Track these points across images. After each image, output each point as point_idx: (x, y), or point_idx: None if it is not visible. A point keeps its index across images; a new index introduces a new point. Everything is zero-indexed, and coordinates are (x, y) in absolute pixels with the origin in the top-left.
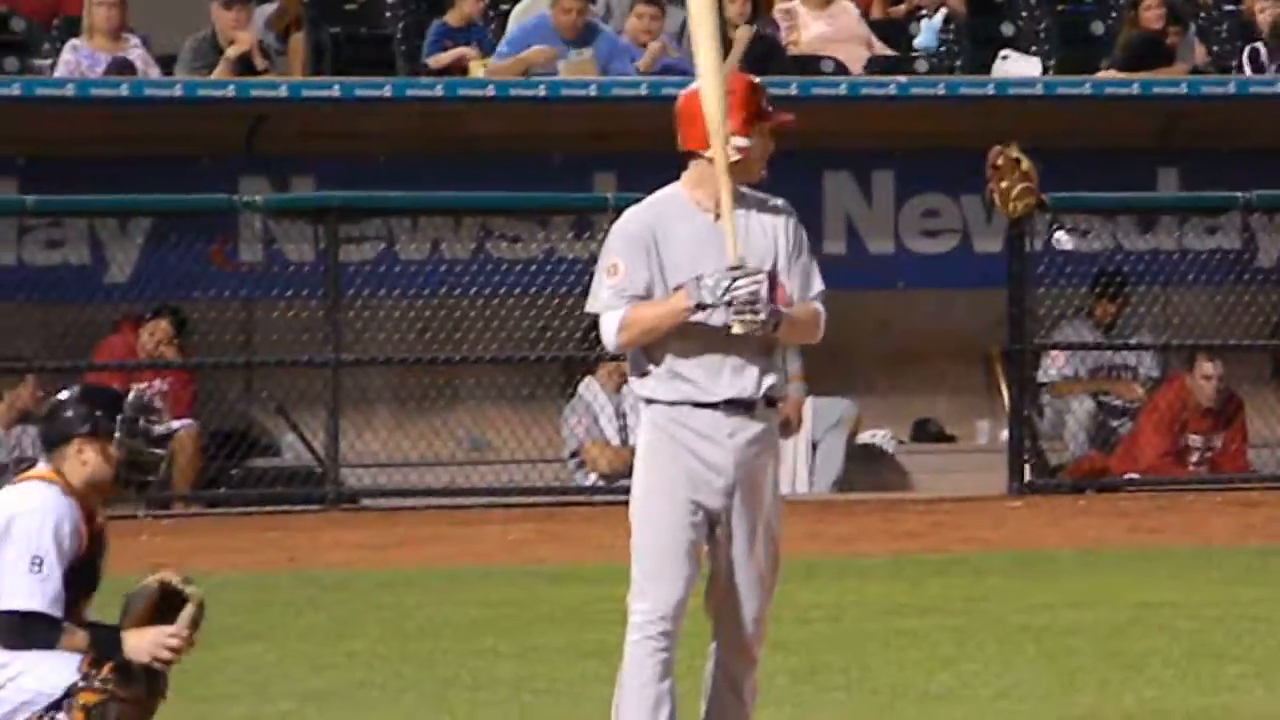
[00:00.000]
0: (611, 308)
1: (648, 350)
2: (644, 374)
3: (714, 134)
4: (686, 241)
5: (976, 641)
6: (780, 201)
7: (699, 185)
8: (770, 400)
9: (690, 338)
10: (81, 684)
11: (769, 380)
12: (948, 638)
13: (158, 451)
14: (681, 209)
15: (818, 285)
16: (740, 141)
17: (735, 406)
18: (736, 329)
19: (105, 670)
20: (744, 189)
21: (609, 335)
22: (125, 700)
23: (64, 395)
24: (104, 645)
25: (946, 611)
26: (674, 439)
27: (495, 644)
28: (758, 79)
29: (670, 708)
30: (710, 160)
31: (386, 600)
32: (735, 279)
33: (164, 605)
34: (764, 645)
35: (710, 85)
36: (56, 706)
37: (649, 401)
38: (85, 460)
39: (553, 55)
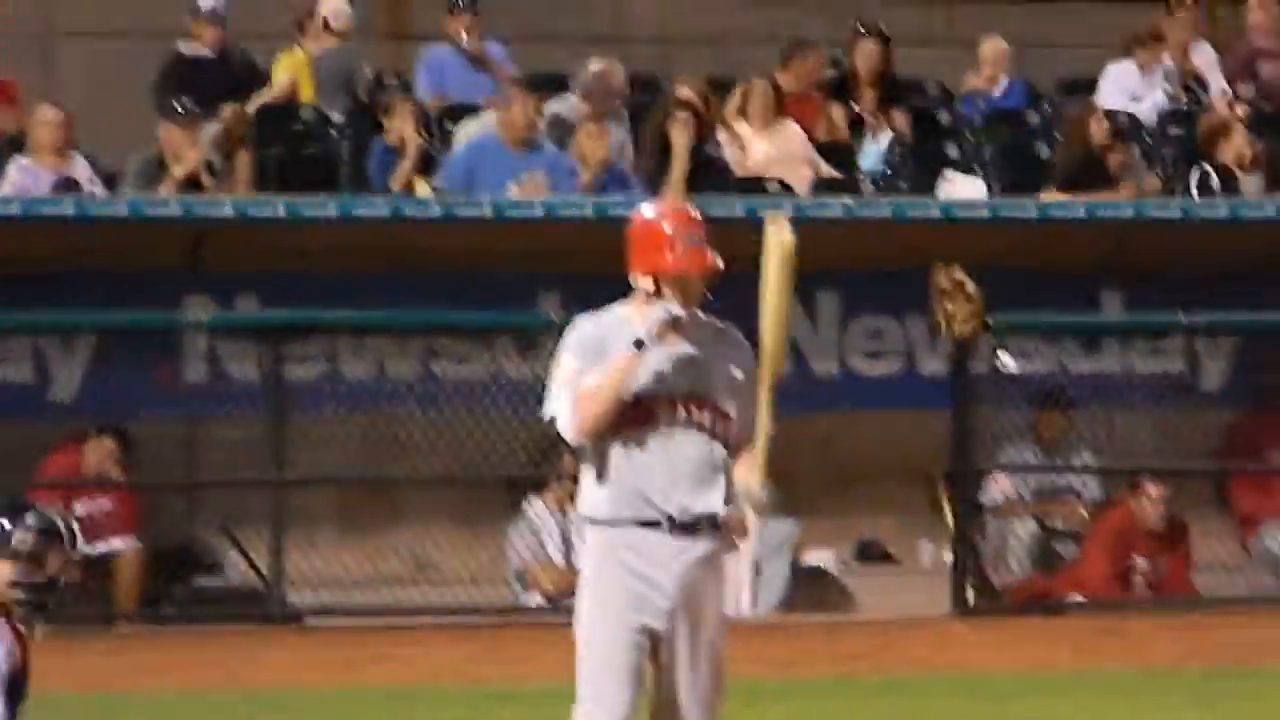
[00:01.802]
0: (562, 399)
1: (597, 464)
2: (591, 491)
3: (766, 363)
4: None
5: None
6: (730, 328)
7: (643, 306)
8: (714, 522)
9: (631, 456)
10: None
11: (714, 500)
12: None
13: (55, 571)
14: (630, 330)
15: (746, 414)
16: (687, 265)
17: (680, 528)
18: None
19: None
20: (698, 314)
21: (566, 426)
22: None
23: None
24: None
25: None
26: (619, 562)
27: None
28: (693, 210)
29: None
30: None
31: (330, 719)
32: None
33: None
34: None
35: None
36: None
37: (593, 522)
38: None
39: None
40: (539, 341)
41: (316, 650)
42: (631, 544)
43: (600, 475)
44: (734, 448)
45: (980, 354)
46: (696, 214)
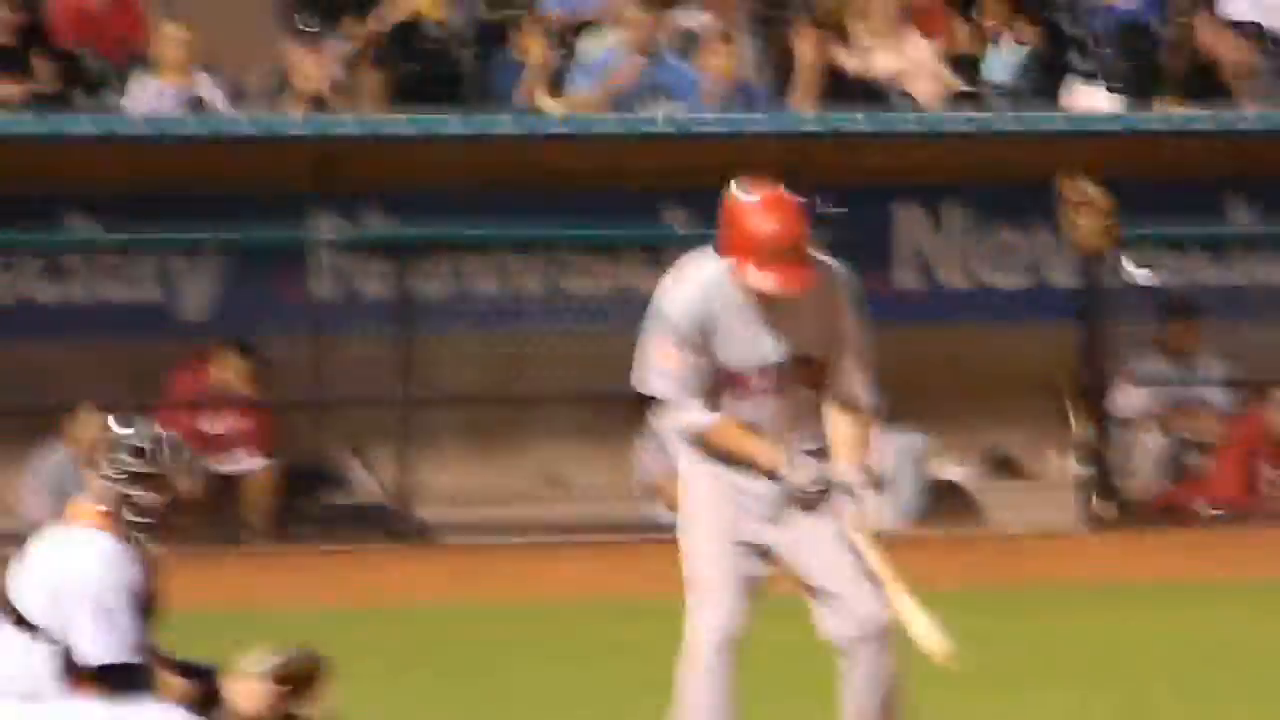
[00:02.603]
0: (684, 400)
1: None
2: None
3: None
4: (732, 329)
5: (1051, 677)
6: (838, 273)
7: (738, 279)
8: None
9: (734, 407)
10: None
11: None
12: (1022, 673)
13: (185, 486)
14: (726, 295)
15: (855, 365)
16: (746, 280)
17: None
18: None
19: None
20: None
21: (677, 420)
22: None
23: (102, 433)
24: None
25: (1021, 647)
26: (714, 477)
27: (569, 677)
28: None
29: None
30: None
31: (458, 636)
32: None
33: (297, 674)
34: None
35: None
36: None
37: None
38: (108, 497)
39: (637, 69)
40: (666, 256)
41: (445, 567)
42: (732, 479)
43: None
44: (844, 402)
45: (1109, 265)
46: (797, 208)
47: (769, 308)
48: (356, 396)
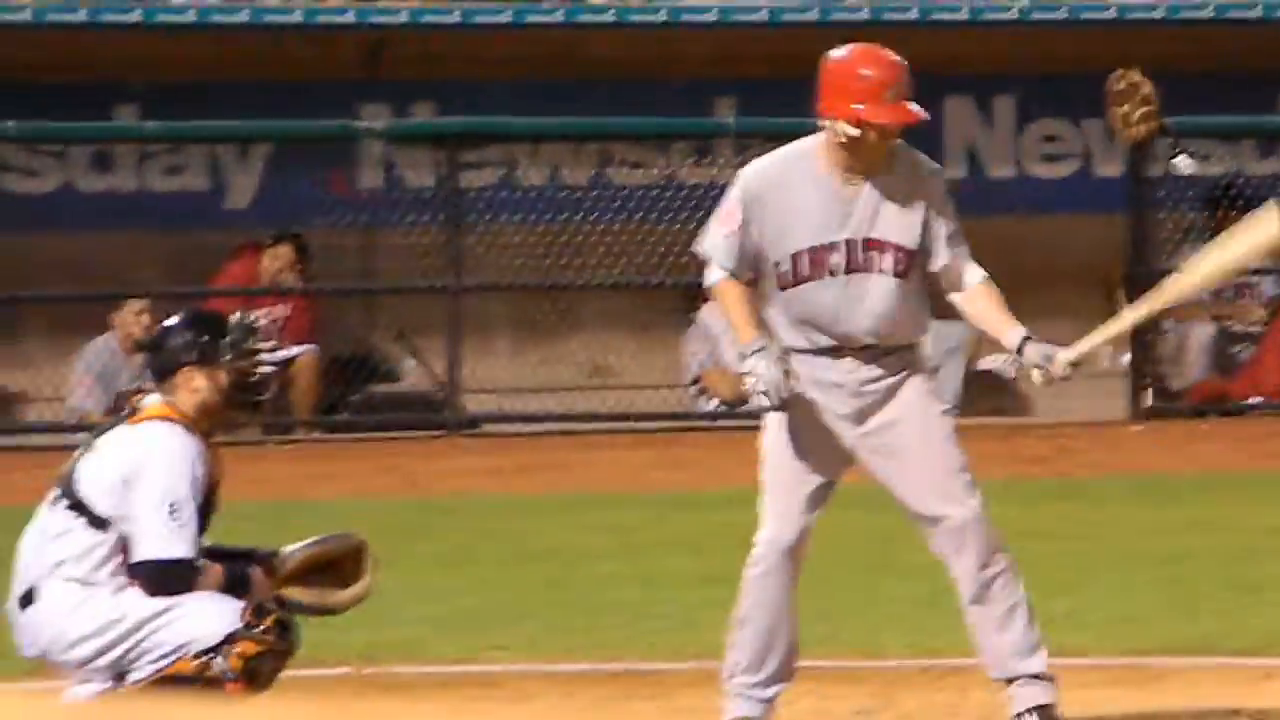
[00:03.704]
0: (717, 261)
1: (776, 303)
2: (772, 323)
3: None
4: (807, 205)
5: (1096, 567)
6: (925, 167)
7: (828, 150)
8: (893, 346)
9: (813, 302)
10: (242, 632)
11: (885, 334)
12: (1067, 563)
13: (265, 370)
14: (809, 170)
15: (946, 256)
16: (851, 130)
17: (845, 352)
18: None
19: (268, 622)
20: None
21: (707, 279)
22: (280, 652)
23: (168, 324)
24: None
25: (1066, 536)
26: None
27: (615, 569)
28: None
29: (786, 640)
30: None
31: (506, 526)
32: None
33: (340, 561)
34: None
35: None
36: (214, 651)
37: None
38: (196, 388)
39: None
40: (714, 147)
41: (492, 457)
42: (809, 364)
43: (782, 312)
44: (947, 285)
45: (1157, 156)
46: (898, 59)
47: (847, 184)
48: (404, 286)
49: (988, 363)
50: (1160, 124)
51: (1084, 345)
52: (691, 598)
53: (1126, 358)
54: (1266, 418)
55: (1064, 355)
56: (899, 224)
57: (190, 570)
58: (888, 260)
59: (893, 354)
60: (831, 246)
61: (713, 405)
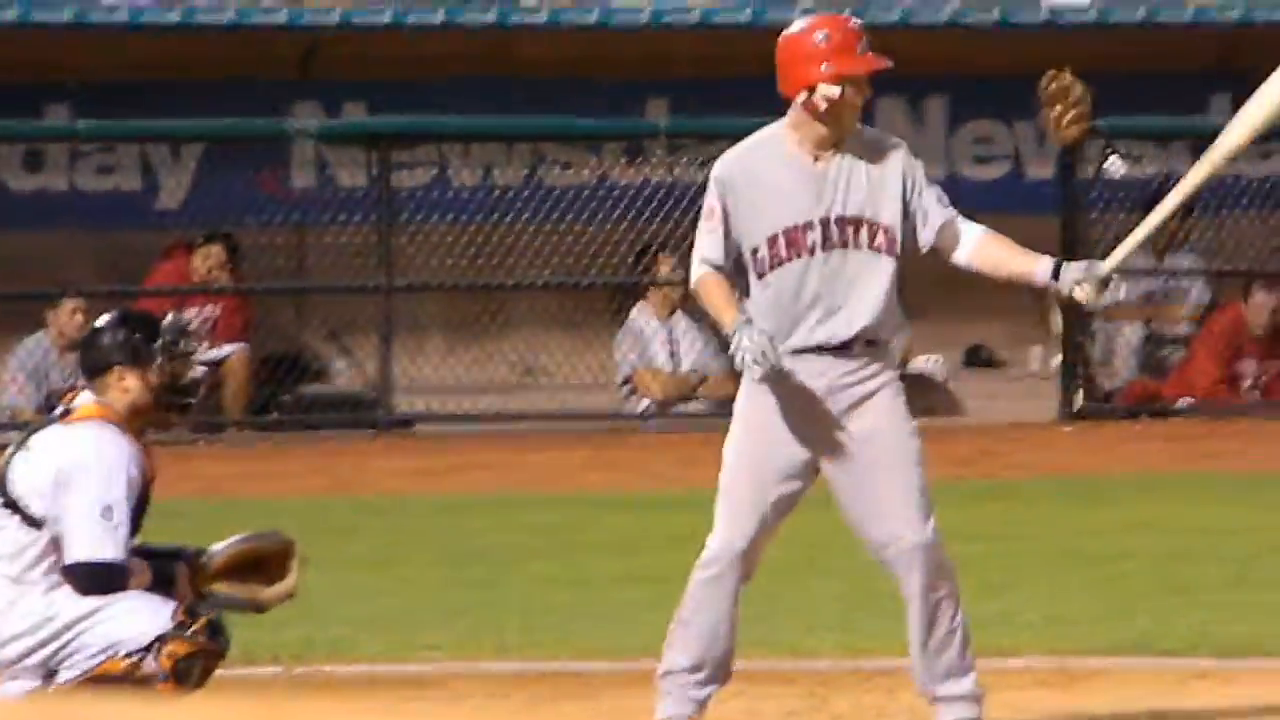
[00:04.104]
0: (700, 258)
1: (752, 290)
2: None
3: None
4: (779, 185)
5: (1028, 568)
6: (891, 140)
7: (796, 129)
8: (876, 344)
9: (790, 282)
10: (174, 632)
11: (869, 329)
12: (999, 564)
13: (196, 373)
14: (779, 152)
15: (939, 216)
16: (830, 91)
17: (831, 349)
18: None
19: (199, 623)
20: (857, 130)
21: (691, 280)
22: (211, 653)
23: (101, 322)
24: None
25: (997, 538)
26: (767, 390)
27: (548, 570)
28: (853, 19)
29: (726, 643)
30: (804, 106)
31: (438, 526)
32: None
33: (267, 558)
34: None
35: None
36: (145, 651)
37: None
38: (127, 387)
39: None
40: (646, 148)
41: (423, 457)
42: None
43: (758, 300)
44: (950, 248)
45: (1088, 158)
46: (857, 22)
47: (818, 161)
48: (336, 286)
49: (918, 365)
50: (1092, 126)
51: (1122, 249)
52: (623, 598)
53: (1057, 359)
54: (1196, 420)
55: (1104, 265)
56: (874, 198)
57: (120, 573)
58: (864, 235)
59: (869, 354)
60: (807, 225)
61: (644, 406)
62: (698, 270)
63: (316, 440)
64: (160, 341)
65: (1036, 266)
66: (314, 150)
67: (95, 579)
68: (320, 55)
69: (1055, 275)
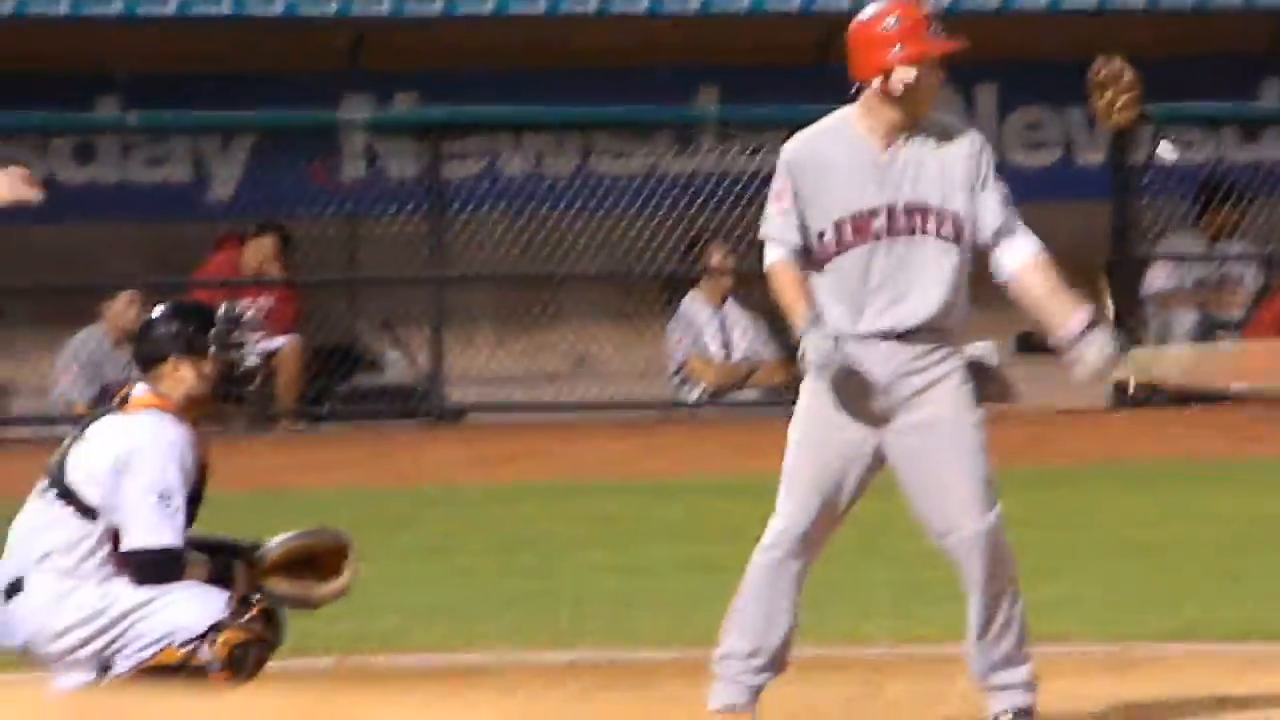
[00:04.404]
0: (775, 239)
1: (820, 274)
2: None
3: None
4: (847, 171)
5: (1081, 554)
6: (965, 129)
7: (868, 115)
8: (943, 332)
9: (857, 268)
10: (228, 621)
11: (935, 317)
12: (1053, 550)
13: (252, 362)
14: (848, 137)
15: (995, 218)
16: (906, 75)
17: (887, 337)
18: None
19: (254, 611)
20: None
21: (766, 261)
22: (266, 642)
23: (155, 314)
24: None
25: (1051, 525)
26: (832, 374)
27: (601, 558)
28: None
29: (784, 630)
30: (879, 91)
31: (491, 515)
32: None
33: (321, 555)
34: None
35: None
36: (199, 640)
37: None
38: (182, 378)
39: None
40: (697, 137)
41: (475, 447)
42: (847, 356)
43: (824, 284)
44: (996, 257)
45: (1139, 143)
46: (927, 5)
47: (887, 148)
48: (387, 278)
49: (971, 350)
50: (1142, 111)
51: (1152, 362)
52: (676, 586)
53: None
54: (1248, 406)
55: (1132, 358)
56: (944, 186)
57: (177, 559)
58: (932, 223)
59: (934, 344)
60: (873, 212)
61: (696, 394)
62: (772, 253)
63: (369, 431)
64: (214, 331)
65: (1064, 327)
66: (364, 141)
67: (152, 565)
68: (370, 46)
69: (1079, 340)
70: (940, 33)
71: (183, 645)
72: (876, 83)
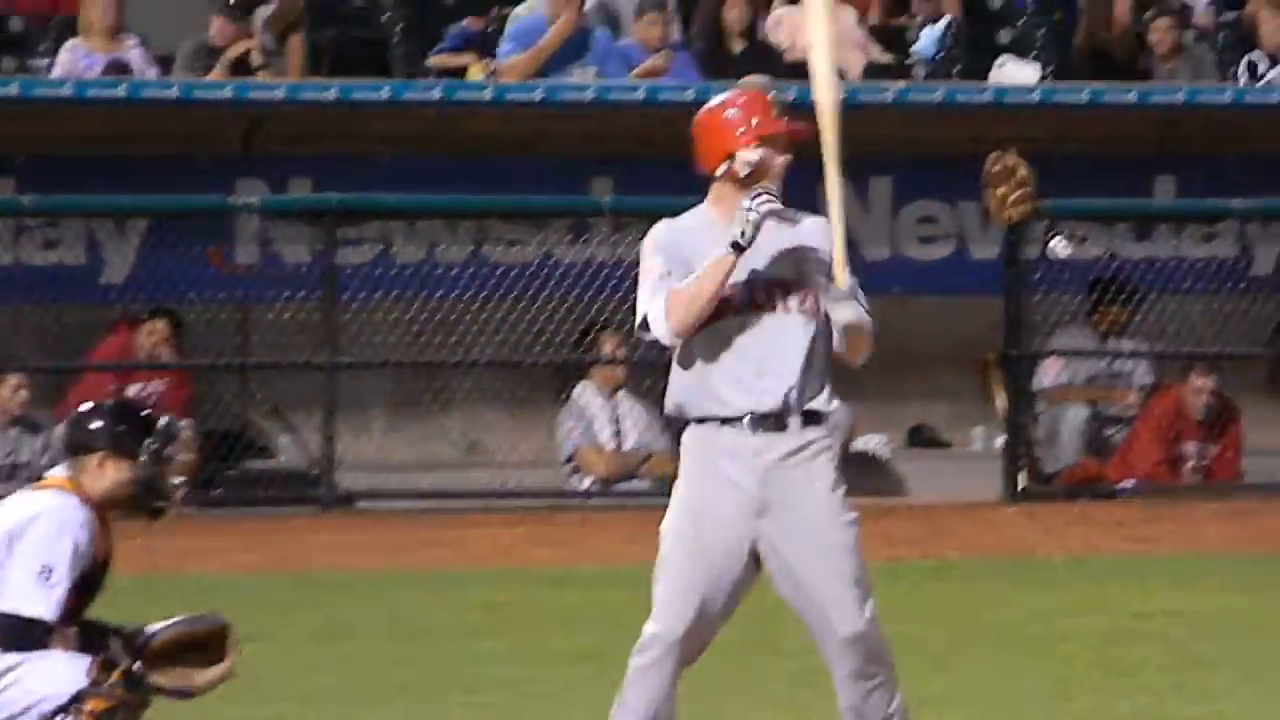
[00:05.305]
0: (654, 309)
1: (680, 360)
2: (677, 387)
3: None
4: (709, 251)
5: (971, 648)
6: (820, 220)
7: (719, 202)
8: (812, 415)
9: (717, 344)
10: (90, 689)
11: (800, 393)
12: (942, 644)
13: (175, 481)
14: (709, 219)
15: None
16: (750, 155)
17: (763, 421)
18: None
19: (115, 676)
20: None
21: (660, 327)
22: (132, 706)
23: (95, 405)
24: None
25: (941, 618)
26: (701, 459)
27: (491, 647)
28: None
29: None
30: (722, 177)
31: (381, 602)
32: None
33: (205, 641)
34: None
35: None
36: (63, 710)
37: (681, 417)
38: (104, 474)
39: (569, 28)
40: (590, 225)
41: (367, 534)
42: (714, 442)
43: (683, 367)
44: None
45: (1032, 239)
46: (772, 94)
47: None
48: (280, 362)
49: (862, 444)
50: (1036, 207)
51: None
52: (567, 675)
53: (1000, 439)
54: (1138, 501)
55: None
56: (798, 262)
57: (43, 632)
58: (793, 300)
59: (805, 431)
60: (733, 286)
61: (587, 483)
62: (656, 318)
63: (259, 517)
64: (148, 441)
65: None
66: (258, 226)
67: (15, 631)
68: (265, 131)
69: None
70: (785, 116)
71: (51, 715)
72: (722, 169)
